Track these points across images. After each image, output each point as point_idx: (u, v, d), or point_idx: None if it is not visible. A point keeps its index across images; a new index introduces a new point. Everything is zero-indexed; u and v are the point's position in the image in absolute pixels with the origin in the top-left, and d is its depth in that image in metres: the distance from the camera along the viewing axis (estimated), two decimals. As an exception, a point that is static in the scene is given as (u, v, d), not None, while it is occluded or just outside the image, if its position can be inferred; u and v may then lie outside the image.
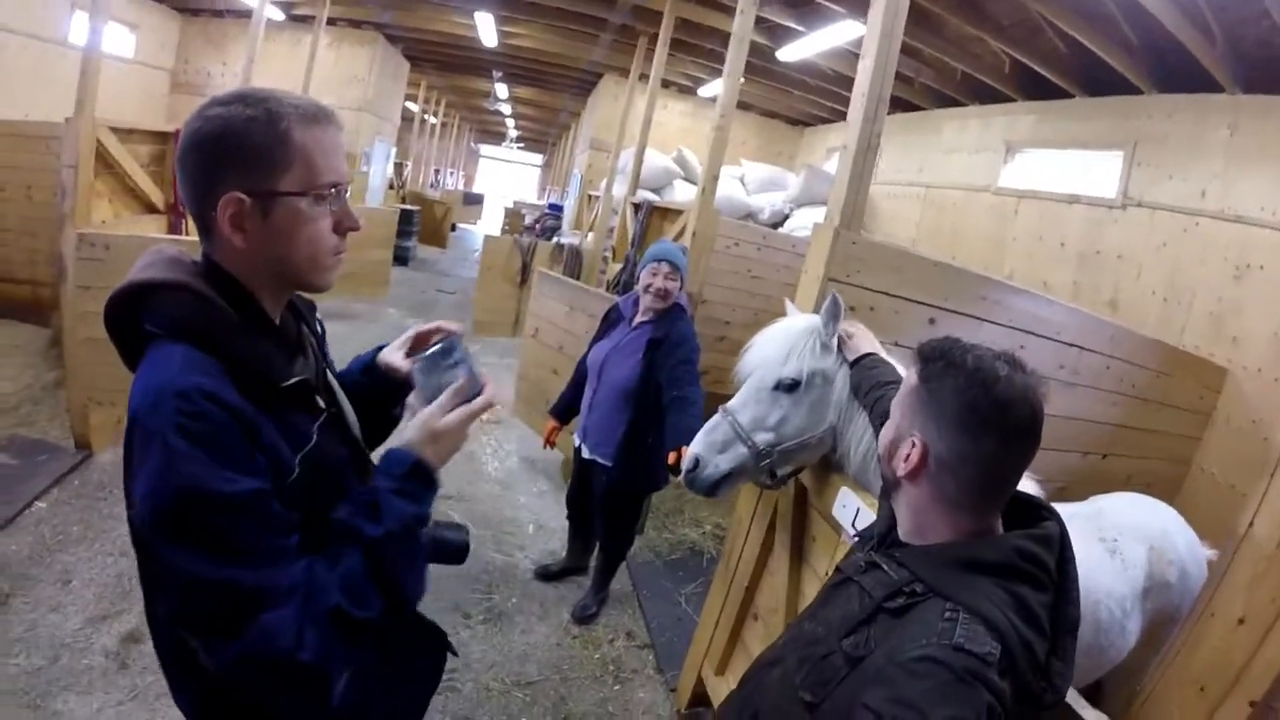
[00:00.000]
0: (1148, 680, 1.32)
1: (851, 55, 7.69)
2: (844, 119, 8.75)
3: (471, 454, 5.15)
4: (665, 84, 8.66)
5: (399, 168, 16.08)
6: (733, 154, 10.48)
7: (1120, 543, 2.45)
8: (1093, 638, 2.13)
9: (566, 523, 3.92)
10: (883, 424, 1.47)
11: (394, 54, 11.97)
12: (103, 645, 2.77)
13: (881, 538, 1.29)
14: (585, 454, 3.40)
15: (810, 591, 2.40)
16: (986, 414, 1.07)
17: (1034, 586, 1.07)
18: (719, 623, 2.92)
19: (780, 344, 2.12)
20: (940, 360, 1.13)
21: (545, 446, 3.67)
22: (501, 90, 16.19)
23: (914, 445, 1.13)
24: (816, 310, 2.21)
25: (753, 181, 9.34)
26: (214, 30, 10.37)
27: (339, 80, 10.51)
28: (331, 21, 9.71)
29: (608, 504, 3.38)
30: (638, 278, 3.23)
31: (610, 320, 3.42)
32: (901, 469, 1.15)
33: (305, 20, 9.76)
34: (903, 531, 1.21)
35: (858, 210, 2.55)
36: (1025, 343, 3.00)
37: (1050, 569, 1.10)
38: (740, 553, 2.84)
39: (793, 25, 6.95)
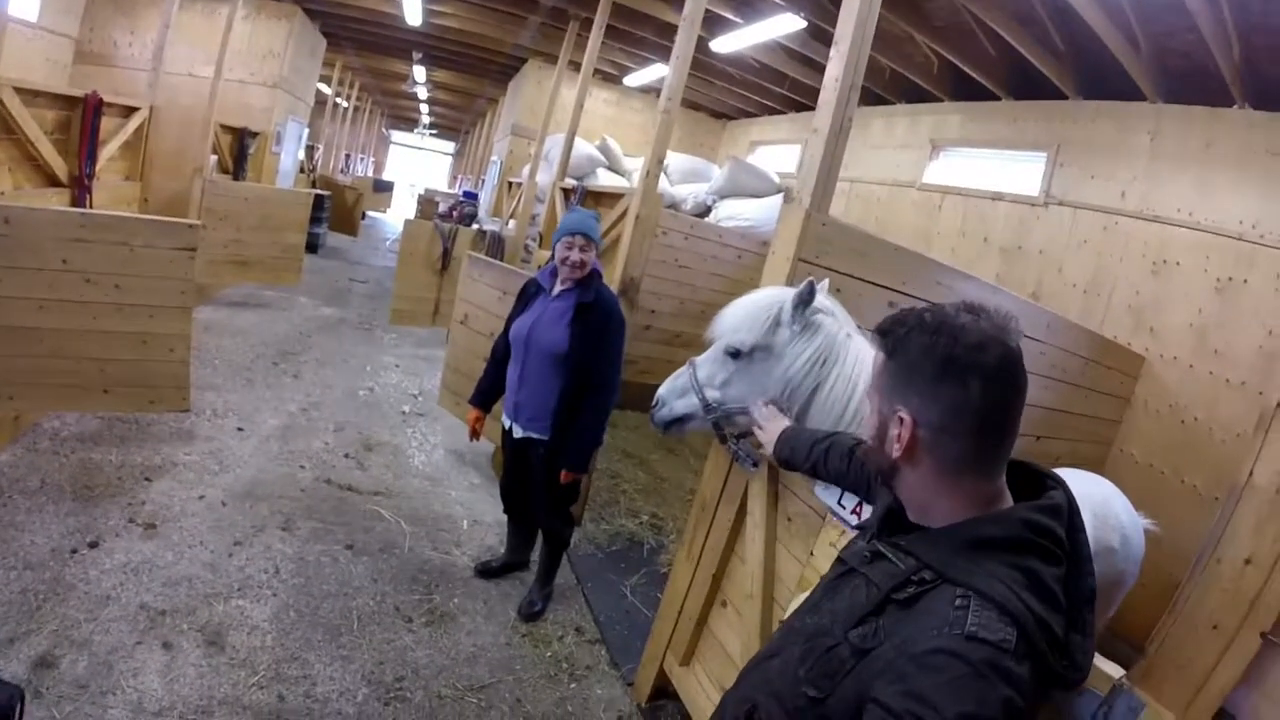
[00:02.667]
0: (1159, 628, 1.38)
1: (782, 49, 7.77)
2: (768, 113, 8.94)
3: (397, 448, 4.91)
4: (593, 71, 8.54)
5: (310, 150, 15.40)
6: (650, 144, 10.53)
7: None
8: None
9: (503, 517, 3.76)
10: (843, 467, 1.68)
11: (312, 30, 11.37)
12: (12, 673, 2.41)
13: (882, 525, 1.23)
14: (518, 433, 3.25)
15: (787, 576, 2.37)
16: (964, 360, 1.02)
17: (1045, 560, 1.02)
18: (683, 611, 2.84)
19: (741, 312, 2.21)
20: (901, 327, 1.09)
21: (471, 439, 3.53)
22: (420, 73, 15.70)
23: (901, 422, 1.08)
24: (790, 285, 2.26)
25: (676, 172, 9.31)
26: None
27: (254, 55, 9.93)
28: (248, -6, 9.18)
29: (547, 482, 3.24)
30: (554, 251, 3.16)
31: (528, 294, 3.29)
32: (895, 451, 1.09)
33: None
34: (912, 515, 1.16)
35: (827, 193, 2.58)
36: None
37: (1061, 540, 1.06)
38: (705, 539, 2.78)
39: (729, 16, 6.94)
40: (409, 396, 5.94)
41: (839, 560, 1.29)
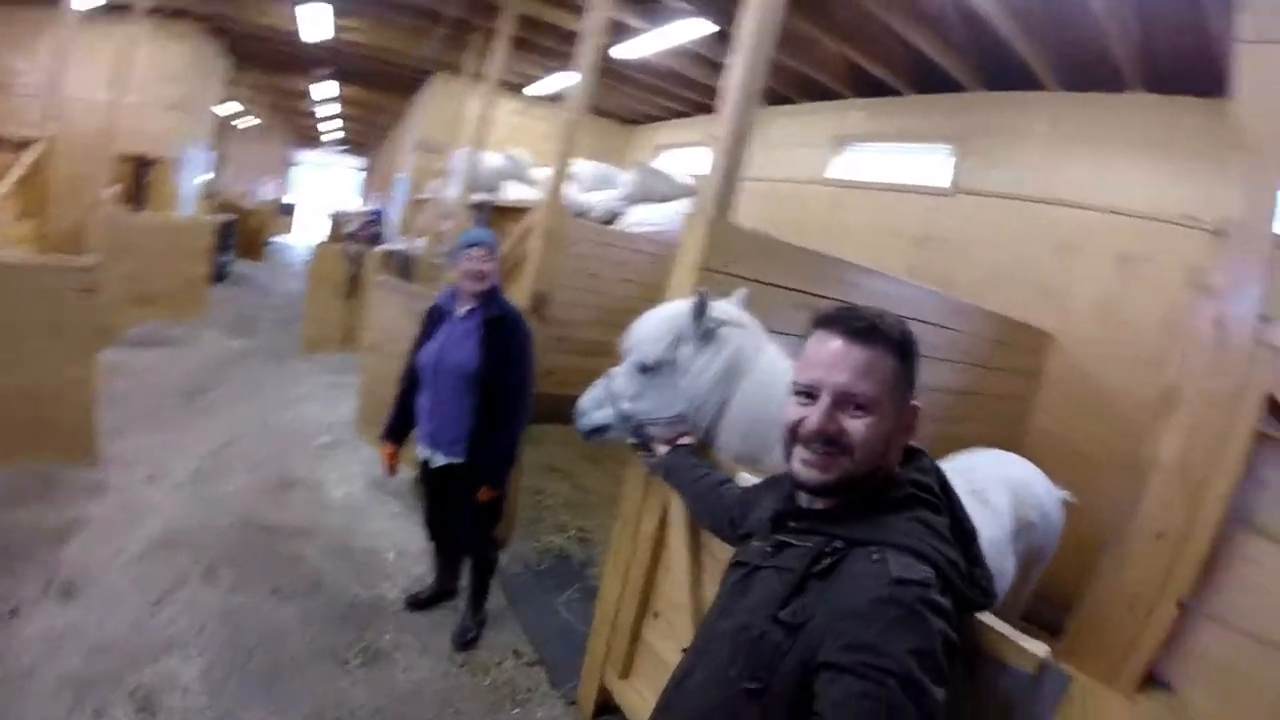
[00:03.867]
0: (1080, 605, 1.49)
1: (688, 54, 7.83)
2: (676, 117, 9.00)
3: (316, 483, 4.70)
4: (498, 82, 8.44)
5: (214, 176, 14.88)
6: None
7: (988, 493, 2.64)
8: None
9: (428, 546, 3.65)
10: (703, 496, 1.88)
11: (214, 50, 11.01)
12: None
13: (776, 521, 1.31)
14: (437, 462, 3.15)
15: (714, 582, 2.33)
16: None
17: (933, 510, 1.19)
18: (615, 625, 2.79)
19: (646, 326, 2.25)
20: (896, 330, 1.20)
21: (389, 474, 3.43)
22: (325, 90, 15.30)
23: (915, 412, 1.24)
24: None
25: (584, 180, 9.28)
26: (17, 21, 9.03)
27: (155, 78, 9.47)
28: (151, 11, 8.71)
29: (470, 506, 3.16)
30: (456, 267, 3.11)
31: (433, 319, 3.21)
32: (905, 440, 1.25)
33: (119, 10, 8.69)
34: (833, 499, 1.23)
35: (730, 200, 2.58)
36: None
37: (938, 493, 1.22)
38: (632, 550, 2.74)
39: (633, 22, 6.94)
40: (325, 427, 5.72)
41: (736, 564, 1.36)
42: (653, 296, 5.62)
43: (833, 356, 1.19)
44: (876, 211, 7.02)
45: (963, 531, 1.22)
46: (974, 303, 4.42)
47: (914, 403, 1.23)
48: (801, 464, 1.21)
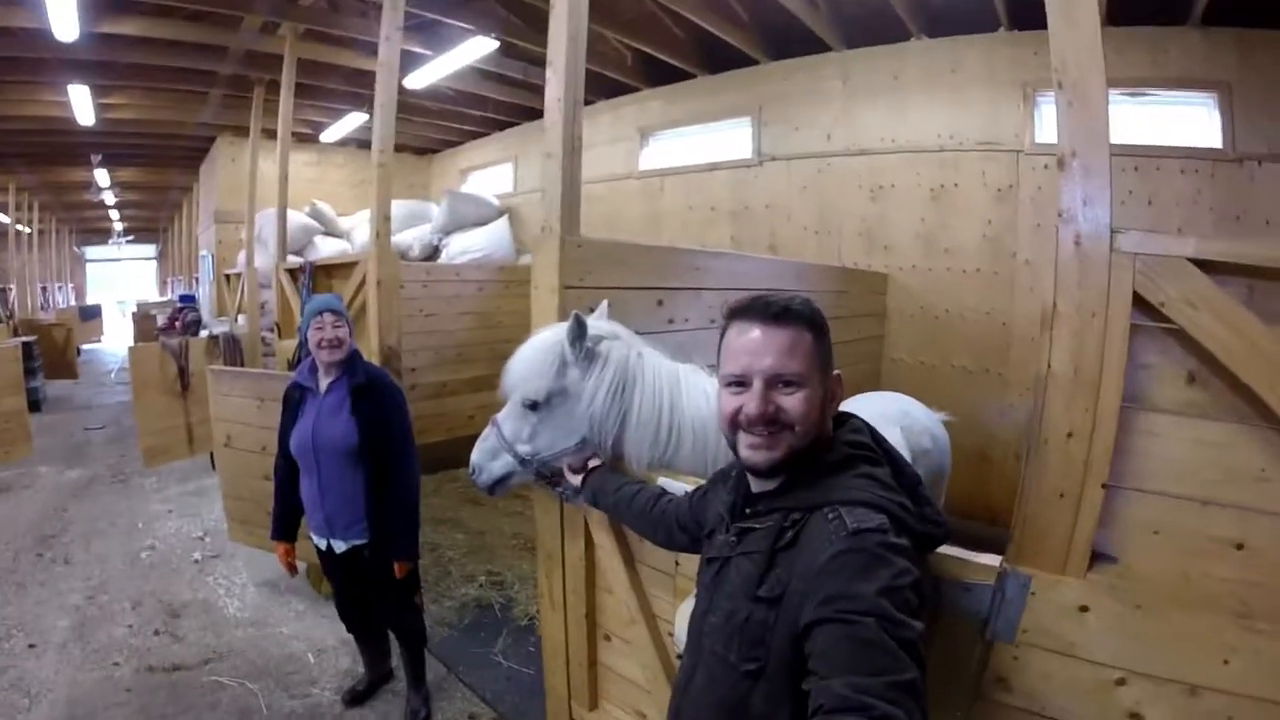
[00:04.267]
0: (1015, 511, 1.55)
1: (476, 73, 7.75)
2: (472, 139, 8.89)
3: (206, 603, 4.28)
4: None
5: (3, 294, 13.28)
6: (361, 198, 10.02)
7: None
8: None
9: (347, 636, 3.44)
10: (646, 509, 1.87)
11: None
12: None
13: (733, 511, 1.37)
14: (340, 547, 2.97)
15: (659, 592, 2.33)
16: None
17: (873, 464, 1.27)
18: (569, 659, 2.73)
19: (524, 363, 2.14)
20: (806, 307, 1.27)
21: (290, 574, 3.25)
22: (103, 176, 13.97)
23: (839, 381, 1.33)
24: (562, 318, 2.22)
25: (395, 219, 8.96)
26: None
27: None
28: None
29: (387, 584, 3.01)
30: (304, 342, 2.96)
31: (294, 401, 3.02)
32: (833, 410, 1.34)
33: None
34: (781, 474, 1.28)
35: (574, 214, 2.55)
36: (735, 296, 3.33)
37: (874, 448, 1.31)
38: (564, 586, 2.68)
39: (419, 50, 6.78)
40: (195, 541, 5.24)
41: (708, 561, 1.40)
42: (491, 325, 5.62)
43: (755, 344, 1.24)
44: (691, 193, 7.23)
45: (905, 477, 1.29)
46: (802, 260, 4.71)
47: (836, 372, 1.30)
48: (749, 449, 1.25)
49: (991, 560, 1.48)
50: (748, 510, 1.33)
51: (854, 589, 1.04)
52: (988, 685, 1.50)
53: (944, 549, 1.48)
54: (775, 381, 1.22)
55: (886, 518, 1.14)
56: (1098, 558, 1.46)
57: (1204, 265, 1.33)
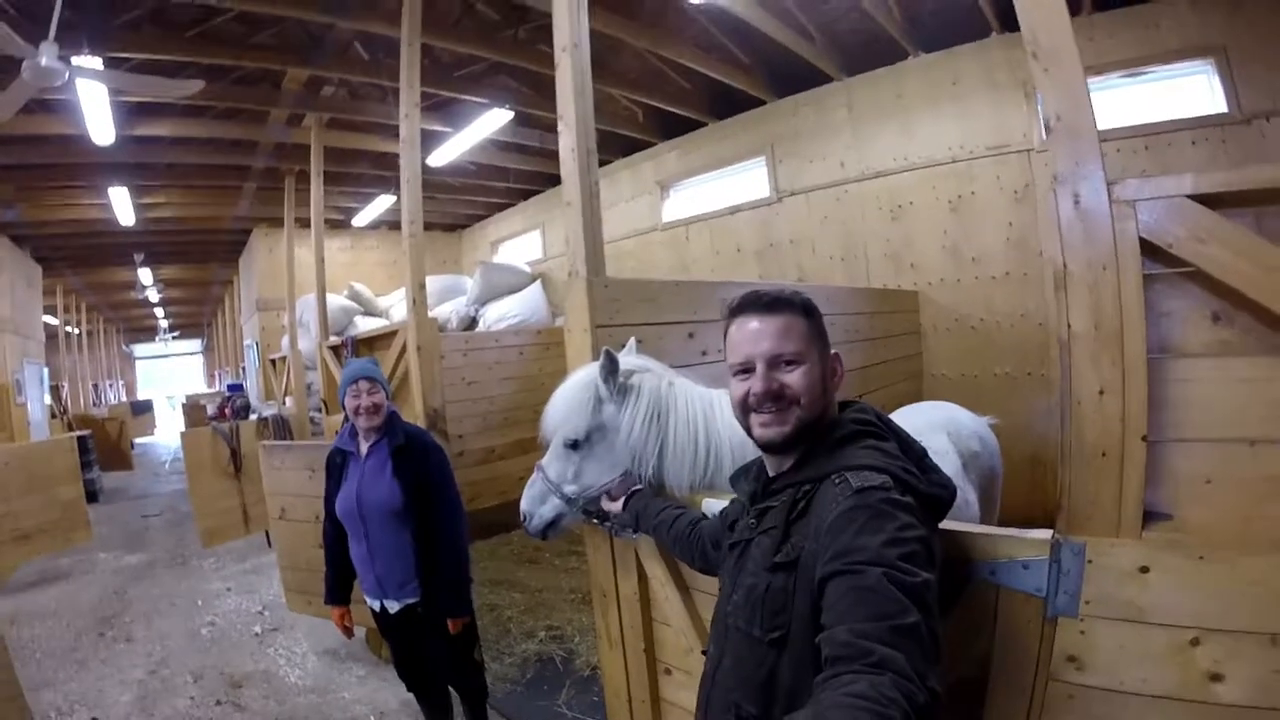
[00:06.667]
0: (1060, 480, 1.53)
1: (495, 145, 8.03)
2: (498, 210, 9.15)
3: (267, 673, 4.33)
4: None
5: (56, 390, 13.79)
6: (396, 277, 10.37)
7: (925, 440, 2.74)
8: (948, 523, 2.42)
9: (408, 696, 3.44)
10: (684, 533, 1.88)
11: (23, 258, 10.35)
12: None
13: (753, 498, 1.43)
14: (394, 608, 3.00)
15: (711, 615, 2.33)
16: None
17: (878, 438, 1.31)
18: (631, 698, 2.68)
19: (561, 404, 2.20)
20: (795, 295, 1.36)
21: (347, 637, 3.29)
22: (146, 275, 14.58)
23: (838, 359, 1.37)
24: (596, 357, 2.25)
25: (430, 294, 9.20)
26: None
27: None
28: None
29: (444, 641, 3.02)
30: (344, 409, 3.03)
31: (336, 465, 3.09)
32: (837, 385, 1.38)
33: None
34: (799, 448, 1.34)
35: (598, 257, 2.61)
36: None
37: (879, 424, 1.35)
38: (620, 623, 2.66)
39: (438, 128, 7.06)
40: (255, 615, 5.31)
41: (730, 547, 1.45)
42: (535, 387, 5.71)
43: (754, 333, 1.34)
44: (715, 238, 7.37)
45: (911, 450, 1.34)
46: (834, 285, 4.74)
47: (833, 352, 1.38)
48: (761, 427, 1.34)
49: (1043, 534, 1.45)
50: (765, 494, 1.40)
51: (859, 541, 1.08)
52: (1058, 666, 1.44)
53: (993, 530, 1.48)
54: (776, 361, 1.32)
55: (890, 478, 1.19)
56: (1152, 517, 1.42)
57: (1207, 200, 1.34)
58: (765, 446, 1.37)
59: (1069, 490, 1.47)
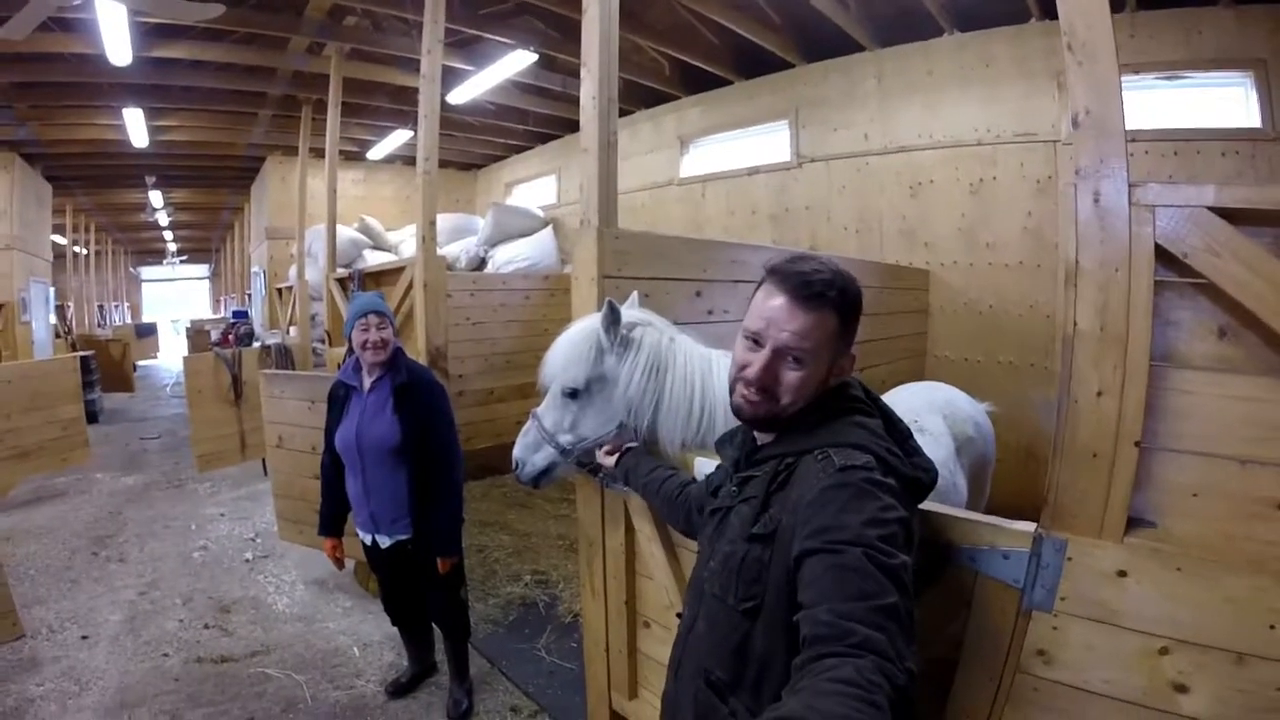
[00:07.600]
0: (1049, 476, 1.53)
1: (516, 87, 7.90)
2: (516, 152, 9.04)
3: (256, 600, 4.42)
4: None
5: (61, 310, 13.87)
6: (408, 213, 10.30)
7: (921, 421, 2.81)
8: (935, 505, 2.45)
9: (392, 631, 3.52)
10: (672, 495, 1.88)
11: (34, 176, 10.30)
12: None
13: (737, 465, 1.43)
14: (385, 543, 3.05)
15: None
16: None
17: (864, 415, 1.31)
18: (609, 647, 2.75)
19: (562, 352, 2.20)
20: (832, 289, 1.25)
21: (338, 569, 3.36)
22: (157, 198, 14.52)
23: (850, 358, 1.34)
24: (601, 308, 2.23)
25: (441, 232, 9.14)
26: None
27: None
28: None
29: (429, 578, 3.07)
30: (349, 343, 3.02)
31: (339, 399, 3.09)
32: (835, 380, 1.34)
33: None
34: (781, 426, 1.34)
35: (612, 207, 2.59)
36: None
37: (867, 402, 1.35)
38: (604, 573, 2.70)
39: (460, 65, 6.95)
40: (247, 542, 5.41)
41: (711, 513, 1.46)
42: (538, 333, 5.71)
43: (778, 313, 1.27)
44: (731, 198, 7.29)
45: (896, 430, 1.34)
46: (845, 256, 4.70)
47: (851, 352, 1.34)
48: (740, 398, 1.33)
49: (1026, 526, 1.47)
50: (748, 463, 1.40)
51: (840, 520, 1.08)
52: (1027, 658, 1.47)
53: (977, 516, 1.49)
54: (784, 354, 1.27)
55: (873, 458, 1.19)
56: (1136, 523, 1.43)
57: (1228, 215, 1.31)
58: (737, 414, 1.37)
59: (1057, 486, 1.48)
